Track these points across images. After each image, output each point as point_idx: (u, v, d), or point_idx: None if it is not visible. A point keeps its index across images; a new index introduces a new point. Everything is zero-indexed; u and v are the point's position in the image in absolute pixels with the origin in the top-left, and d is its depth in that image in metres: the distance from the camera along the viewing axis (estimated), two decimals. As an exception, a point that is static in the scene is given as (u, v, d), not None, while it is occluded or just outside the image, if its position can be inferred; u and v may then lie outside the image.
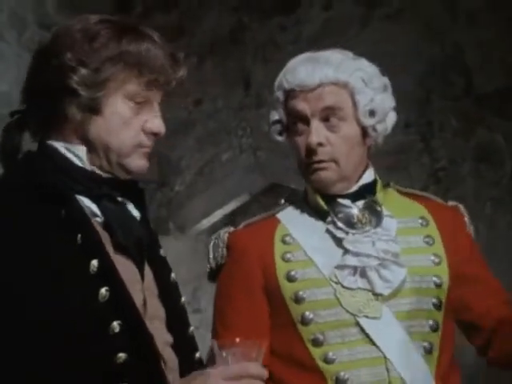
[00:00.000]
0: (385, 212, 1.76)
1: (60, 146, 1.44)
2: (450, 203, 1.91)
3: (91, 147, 1.44)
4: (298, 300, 1.70)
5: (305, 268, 1.73)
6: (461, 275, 1.75)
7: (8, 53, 3.72)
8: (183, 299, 1.56)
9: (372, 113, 1.77)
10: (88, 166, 1.44)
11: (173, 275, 1.56)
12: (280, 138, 1.84)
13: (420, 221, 1.80)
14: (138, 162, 1.46)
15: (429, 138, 3.45)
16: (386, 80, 1.83)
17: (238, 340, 1.36)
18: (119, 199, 1.47)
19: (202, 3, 4.15)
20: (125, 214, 1.46)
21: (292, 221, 1.82)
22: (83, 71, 1.39)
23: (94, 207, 1.42)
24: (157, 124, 1.46)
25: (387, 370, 1.64)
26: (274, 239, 1.78)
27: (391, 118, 1.83)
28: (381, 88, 1.80)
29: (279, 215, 1.85)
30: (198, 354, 1.48)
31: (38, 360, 1.27)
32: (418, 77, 3.48)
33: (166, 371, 1.36)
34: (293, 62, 1.80)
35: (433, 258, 1.74)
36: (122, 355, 1.29)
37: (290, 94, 1.78)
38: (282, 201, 1.92)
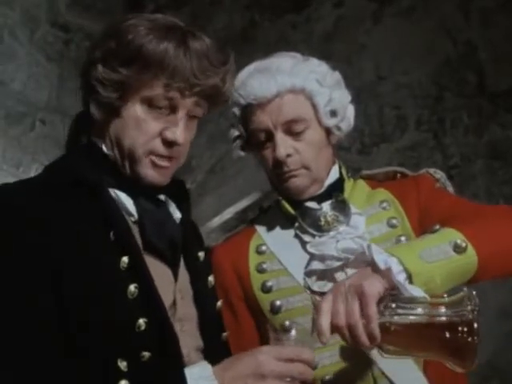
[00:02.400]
0: (353, 210, 1.73)
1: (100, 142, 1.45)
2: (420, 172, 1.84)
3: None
4: (274, 310, 1.69)
5: (279, 277, 1.71)
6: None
7: (20, 52, 3.73)
8: (219, 304, 1.55)
9: (333, 113, 1.74)
10: None
11: (210, 279, 1.54)
12: (243, 153, 1.83)
13: (382, 205, 1.75)
14: (146, 171, 1.42)
15: (441, 135, 3.43)
16: (337, 75, 1.79)
17: (295, 327, 1.34)
18: (161, 198, 1.46)
19: (214, 1, 4.15)
20: (161, 213, 1.44)
21: (267, 229, 1.81)
22: None
23: (130, 204, 1.41)
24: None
25: (370, 367, 1.62)
26: (249, 250, 1.78)
27: (351, 112, 1.80)
28: (335, 84, 1.77)
29: (256, 224, 1.84)
30: None
31: (62, 349, 1.26)
32: (431, 74, 3.46)
33: None
34: (242, 76, 1.75)
35: (402, 239, 1.69)
36: (146, 354, 1.29)
37: (247, 108, 1.74)
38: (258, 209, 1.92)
